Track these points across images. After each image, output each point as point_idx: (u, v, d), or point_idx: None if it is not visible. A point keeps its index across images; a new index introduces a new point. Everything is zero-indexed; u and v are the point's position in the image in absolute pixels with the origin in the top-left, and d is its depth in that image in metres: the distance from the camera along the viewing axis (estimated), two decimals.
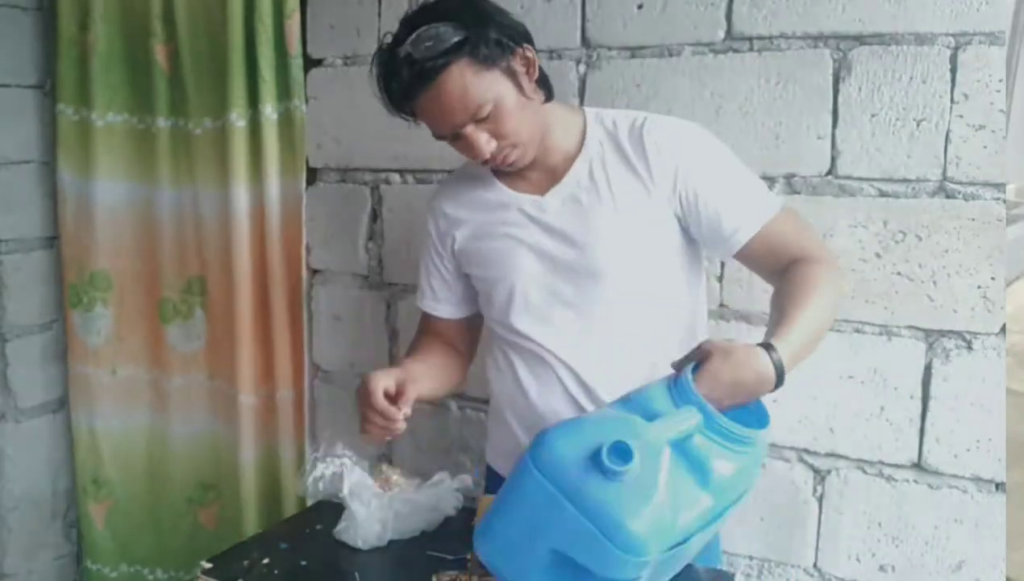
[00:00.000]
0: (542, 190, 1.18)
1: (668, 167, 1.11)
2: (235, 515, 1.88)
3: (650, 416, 0.88)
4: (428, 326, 1.38)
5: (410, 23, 1.06)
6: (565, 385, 1.17)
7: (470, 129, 1.08)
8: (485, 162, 1.12)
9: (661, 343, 1.14)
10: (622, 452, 0.80)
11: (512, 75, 1.08)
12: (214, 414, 1.95)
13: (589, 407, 1.15)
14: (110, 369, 1.98)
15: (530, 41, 1.12)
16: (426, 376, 1.22)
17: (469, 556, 1.14)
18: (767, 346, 0.97)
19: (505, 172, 1.18)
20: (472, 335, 1.38)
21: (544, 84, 1.14)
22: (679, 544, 0.85)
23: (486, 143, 1.09)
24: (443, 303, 1.34)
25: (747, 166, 1.17)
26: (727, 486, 0.89)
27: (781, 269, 1.10)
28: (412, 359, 1.28)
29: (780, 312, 1.03)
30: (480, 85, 1.05)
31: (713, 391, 0.92)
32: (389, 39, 1.10)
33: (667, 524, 0.82)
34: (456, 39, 1.03)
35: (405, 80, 1.06)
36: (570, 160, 1.16)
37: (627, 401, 0.93)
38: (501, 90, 1.07)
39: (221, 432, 1.93)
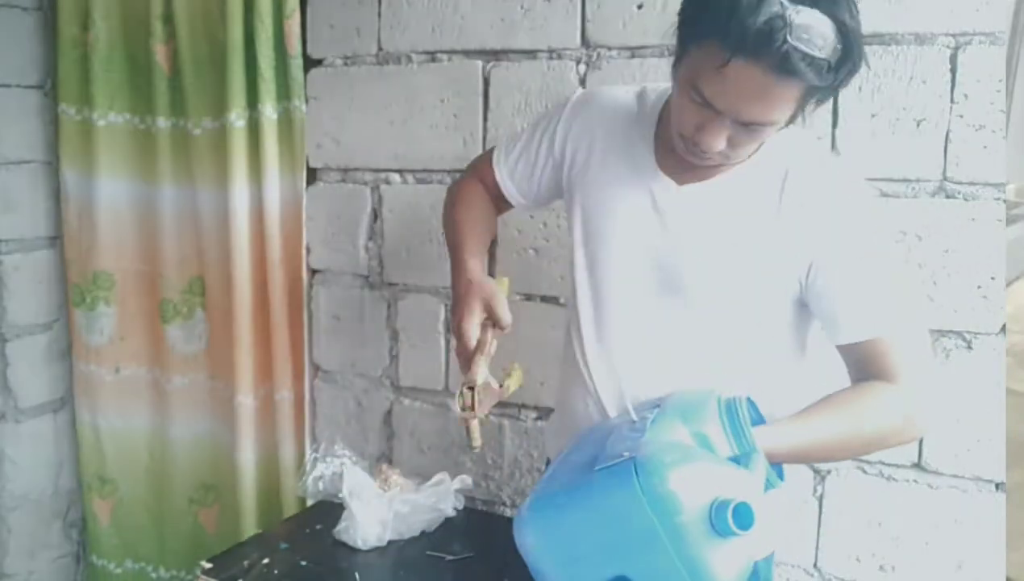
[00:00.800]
0: (680, 178, 1.06)
1: (826, 239, 1.00)
2: (234, 517, 1.88)
3: (708, 446, 0.87)
4: (483, 177, 1.28)
5: None
6: (587, 391, 1.14)
7: (727, 124, 0.94)
8: (690, 148, 0.99)
9: (720, 381, 1.06)
10: (744, 516, 0.76)
11: (801, 112, 0.96)
12: (215, 415, 1.95)
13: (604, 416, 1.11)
14: (113, 368, 1.99)
15: None
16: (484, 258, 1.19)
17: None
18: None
19: (666, 148, 1.06)
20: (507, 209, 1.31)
21: None
22: None
23: (721, 143, 0.96)
24: (513, 182, 1.25)
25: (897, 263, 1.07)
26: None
27: (856, 374, 1.04)
28: (477, 249, 1.19)
29: (803, 411, 1.00)
30: (790, 108, 0.92)
31: None
32: None
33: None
34: (831, 66, 0.87)
35: (755, 36, 0.84)
36: (727, 167, 1.04)
37: (684, 414, 0.91)
38: (784, 121, 0.95)
39: (222, 433, 1.93)
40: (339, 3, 1.73)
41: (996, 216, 1.29)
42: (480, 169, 1.30)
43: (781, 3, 0.84)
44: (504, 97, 1.61)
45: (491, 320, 1.08)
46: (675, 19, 0.95)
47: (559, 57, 1.55)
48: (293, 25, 1.68)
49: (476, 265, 1.15)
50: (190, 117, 1.81)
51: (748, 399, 0.97)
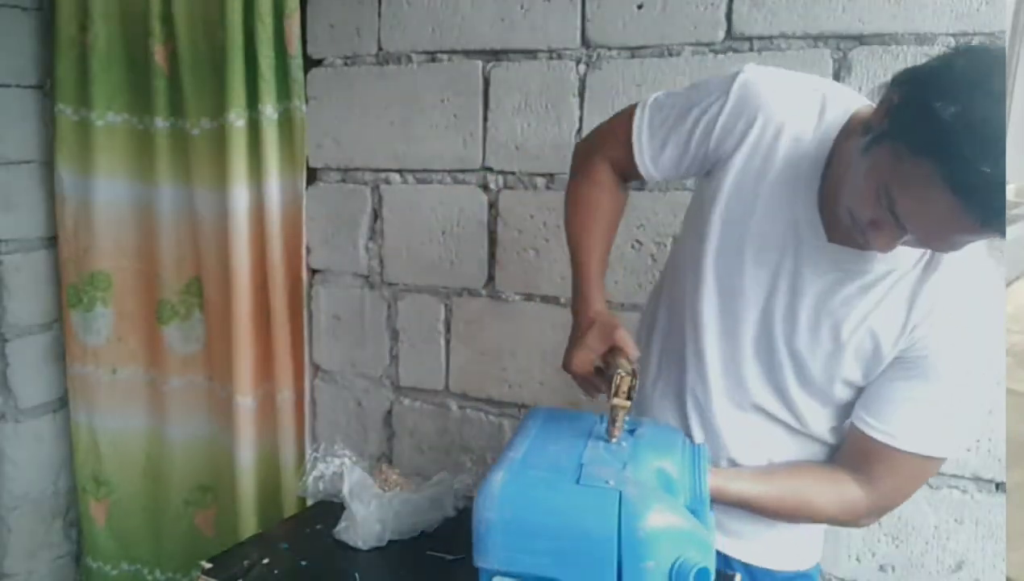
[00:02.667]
0: (832, 232, 0.96)
1: (919, 340, 0.95)
2: (231, 519, 1.87)
3: (670, 487, 0.90)
4: (612, 152, 1.12)
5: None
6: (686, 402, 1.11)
7: (905, 236, 0.85)
8: (858, 232, 0.88)
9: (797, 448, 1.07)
10: (704, 578, 0.82)
11: None
12: (212, 416, 1.95)
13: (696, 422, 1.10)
14: (110, 369, 1.99)
15: None
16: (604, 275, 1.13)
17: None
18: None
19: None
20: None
21: None
22: None
23: (892, 248, 0.87)
24: (655, 167, 1.08)
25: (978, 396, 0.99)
26: None
27: (842, 464, 1.03)
28: (599, 269, 1.11)
29: (764, 469, 1.05)
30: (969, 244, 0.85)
31: None
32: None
33: None
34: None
35: (994, 199, 0.75)
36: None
37: (656, 448, 0.96)
38: None
39: (219, 434, 1.93)
40: (339, 3, 1.73)
41: None
42: (610, 145, 1.12)
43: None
44: (504, 97, 1.61)
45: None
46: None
47: (559, 57, 1.55)
48: (293, 25, 1.68)
49: (599, 296, 1.09)
50: (189, 117, 1.80)
51: (703, 447, 1.02)
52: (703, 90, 1.03)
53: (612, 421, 0.96)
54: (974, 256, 0.93)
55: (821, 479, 1.04)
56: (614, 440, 0.96)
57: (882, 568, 1.42)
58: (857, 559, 1.43)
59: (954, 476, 1.36)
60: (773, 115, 0.97)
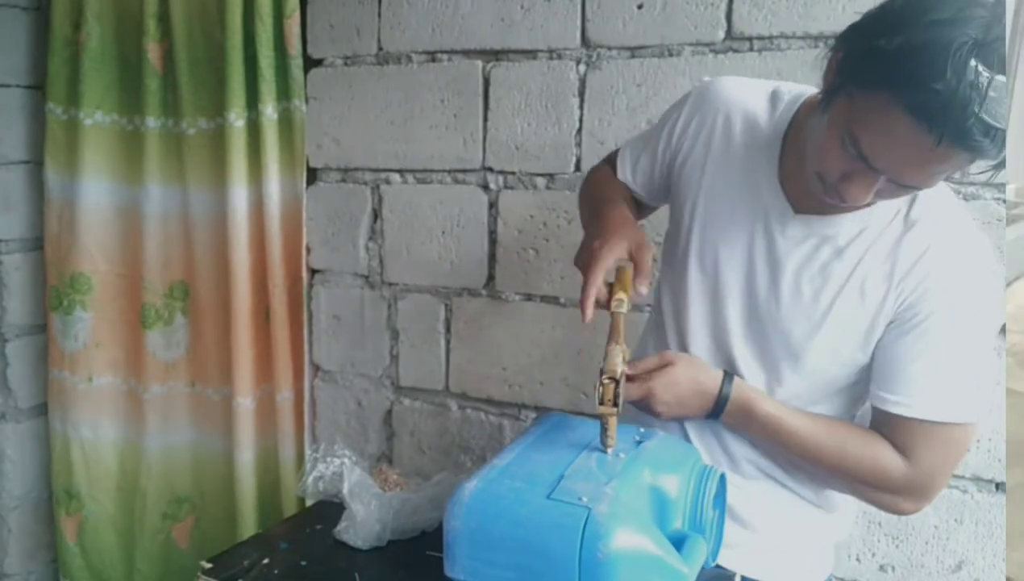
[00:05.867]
0: (797, 205, 0.98)
1: (917, 301, 0.93)
2: (213, 529, 1.85)
3: (663, 507, 0.88)
4: (614, 170, 1.19)
5: (996, 38, 0.75)
6: None
7: (879, 179, 0.85)
8: (829, 193, 0.89)
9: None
10: None
11: None
12: (194, 423, 1.91)
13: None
14: (86, 376, 1.93)
15: None
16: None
17: None
18: (729, 376, 0.98)
19: (793, 171, 0.98)
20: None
21: None
22: None
23: (867, 197, 0.87)
24: (634, 180, 1.15)
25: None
26: None
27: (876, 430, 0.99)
28: (619, 201, 1.10)
29: (797, 410, 1.00)
30: (951, 174, 0.85)
31: (666, 393, 0.96)
32: (968, 23, 0.74)
33: None
34: (1003, 137, 0.77)
35: (950, 109, 0.73)
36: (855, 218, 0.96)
37: (655, 464, 0.92)
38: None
39: (201, 442, 1.90)
40: (339, 3, 1.73)
41: (996, 216, 1.29)
42: (612, 162, 1.21)
43: (978, 69, 0.73)
44: (504, 97, 1.61)
45: (621, 284, 0.95)
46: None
47: (559, 57, 1.55)
48: (293, 25, 1.68)
49: (627, 210, 1.07)
50: (184, 117, 1.79)
51: (722, 476, 0.97)
52: (672, 108, 1.12)
53: (604, 430, 0.93)
54: (952, 210, 0.96)
55: (861, 434, 0.99)
56: (609, 451, 0.93)
57: (882, 568, 1.42)
58: (857, 559, 1.43)
59: (954, 476, 1.36)
60: (727, 109, 1.03)
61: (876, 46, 0.79)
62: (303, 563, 1.19)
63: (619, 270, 0.97)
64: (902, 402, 0.94)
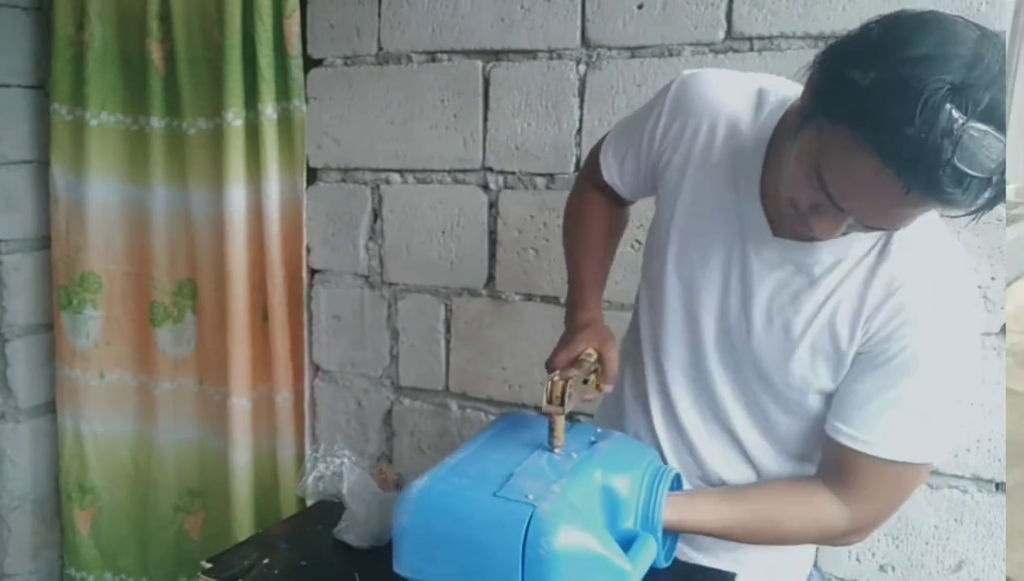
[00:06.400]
0: (778, 225, 0.94)
1: (878, 333, 0.90)
2: (222, 523, 1.86)
3: (614, 507, 0.88)
4: (595, 177, 1.15)
5: (985, 88, 0.69)
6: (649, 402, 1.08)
7: (848, 218, 0.81)
8: (800, 221, 0.85)
9: (762, 450, 1.03)
10: None
11: None
12: (202, 420, 1.93)
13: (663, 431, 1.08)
14: (98, 373, 1.96)
15: None
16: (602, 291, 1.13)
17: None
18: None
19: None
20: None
21: None
22: None
23: (835, 233, 0.84)
24: (622, 182, 1.12)
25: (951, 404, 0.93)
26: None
27: (822, 478, 0.96)
28: (596, 280, 1.12)
29: (729, 492, 0.99)
30: (915, 217, 0.81)
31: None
32: (951, 64, 0.69)
33: None
34: (985, 186, 0.70)
35: (920, 156, 0.69)
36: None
37: (607, 464, 0.90)
38: None
39: (209, 438, 1.91)
40: (339, 3, 1.73)
41: (996, 216, 1.29)
42: (592, 170, 1.16)
43: (952, 114, 0.67)
44: (504, 97, 1.61)
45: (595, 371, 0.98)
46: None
47: (559, 57, 1.55)
48: (293, 25, 1.68)
49: (597, 304, 1.10)
50: (185, 117, 1.80)
51: (677, 475, 0.97)
52: (652, 100, 1.06)
53: (551, 430, 0.91)
54: (931, 238, 0.90)
55: (794, 500, 0.97)
56: (557, 451, 0.91)
57: (882, 568, 1.42)
58: (857, 559, 1.43)
59: (954, 476, 1.36)
60: (708, 114, 0.98)
61: (849, 78, 0.73)
62: (303, 563, 1.18)
63: (582, 363, 0.98)
64: (858, 438, 0.91)
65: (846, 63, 0.75)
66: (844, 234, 0.85)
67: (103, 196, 1.89)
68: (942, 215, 0.87)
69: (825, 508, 0.94)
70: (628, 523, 0.88)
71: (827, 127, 0.76)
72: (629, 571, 0.81)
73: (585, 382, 0.97)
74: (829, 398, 0.96)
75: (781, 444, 1.02)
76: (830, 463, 0.96)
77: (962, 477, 1.35)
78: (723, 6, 1.41)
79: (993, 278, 1.30)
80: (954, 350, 0.90)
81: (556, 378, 0.90)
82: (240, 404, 1.80)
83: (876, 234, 0.90)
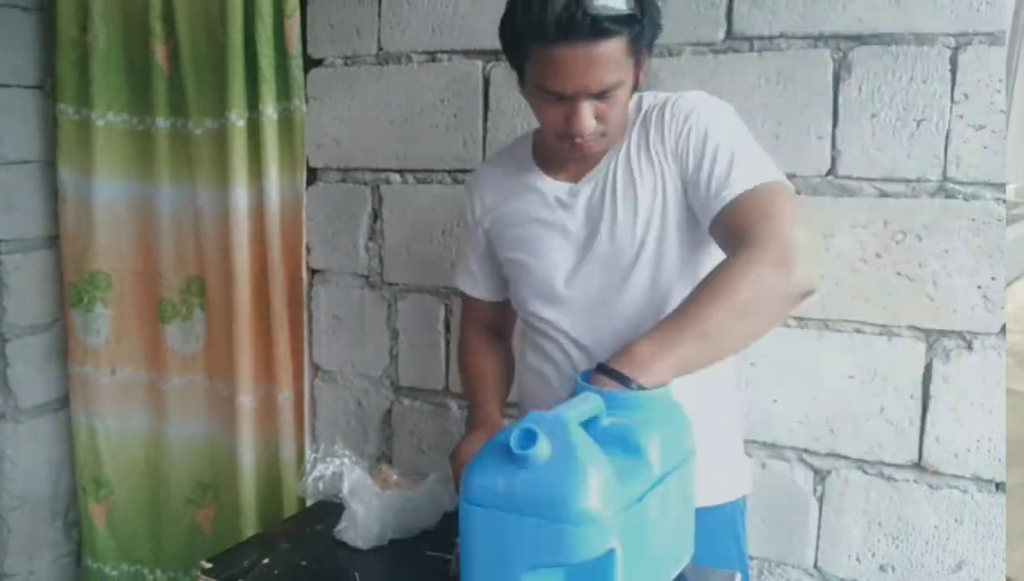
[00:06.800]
0: (577, 178, 1.17)
1: (678, 133, 1.09)
2: (233, 517, 1.87)
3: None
4: (473, 314, 1.38)
5: None
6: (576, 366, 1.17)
7: (585, 102, 1.03)
8: (570, 142, 1.08)
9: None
10: (527, 436, 0.77)
11: (638, 69, 1.06)
12: (212, 416, 1.94)
13: None
14: (109, 369, 1.99)
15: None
16: (501, 408, 1.28)
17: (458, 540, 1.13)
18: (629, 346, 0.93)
19: (549, 159, 1.19)
20: (512, 317, 1.35)
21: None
22: (638, 508, 0.82)
23: (590, 121, 1.05)
24: (481, 284, 1.33)
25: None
26: (659, 449, 0.86)
27: (725, 247, 1.02)
28: (489, 397, 1.27)
29: (673, 311, 0.97)
30: (622, 67, 1.02)
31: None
32: None
33: (608, 487, 0.78)
34: (629, 12, 0.98)
35: (568, 20, 0.97)
36: (612, 149, 1.15)
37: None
38: (629, 80, 1.05)
39: (219, 433, 1.93)
40: (339, 3, 1.73)
41: (996, 216, 1.29)
42: (464, 316, 1.39)
43: None
44: (504, 97, 1.61)
45: None
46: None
47: None
48: (293, 25, 1.68)
49: (496, 410, 1.25)
50: (190, 117, 1.80)
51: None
52: (464, 212, 1.33)
53: None
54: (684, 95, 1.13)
55: (725, 277, 0.94)
56: None
57: (882, 568, 1.42)
58: (857, 559, 1.43)
59: (954, 476, 1.36)
60: (494, 177, 1.27)
61: (503, 23, 1.06)
62: (303, 563, 1.19)
63: None
64: (721, 194, 1.02)
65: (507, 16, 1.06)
66: (604, 123, 1.05)
67: (111, 195, 1.90)
68: None
69: (747, 266, 0.93)
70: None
71: (523, 63, 1.06)
72: (549, 415, 0.80)
73: None
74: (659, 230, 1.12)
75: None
76: (724, 239, 1.03)
77: (962, 477, 1.35)
78: (723, 6, 1.41)
79: (993, 278, 1.30)
80: (713, 100, 1.13)
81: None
82: (246, 402, 1.81)
83: (636, 121, 1.13)
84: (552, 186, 1.18)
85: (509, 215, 1.23)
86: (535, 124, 1.58)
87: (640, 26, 1.00)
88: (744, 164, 1.04)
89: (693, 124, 1.08)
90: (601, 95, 1.03)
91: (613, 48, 0.99)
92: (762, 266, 0.93)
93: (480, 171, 1.33)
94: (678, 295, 1.07)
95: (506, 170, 1.25)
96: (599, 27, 0.96)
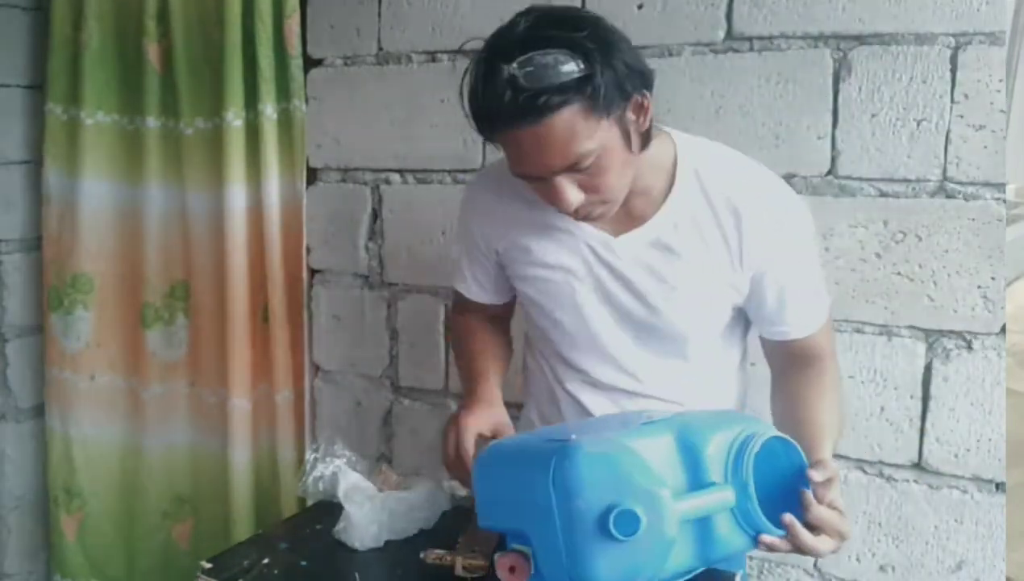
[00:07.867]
0: (614, 230, 1.07)
1: (759, 255, 1.05)
2: (213, 529, 1.84)
3: (695, 464, 0.85)
4: (469, 305, 1.29)
5: (522, 37, 0.90)
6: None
7: (560, 178, 0.95)
8: (574, 217, 1.01)
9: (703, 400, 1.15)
10: (629, 521, 0.78)
11: (623, 125, 0.94)
12: (194, 423, 1.91)
13: None
14: (88, 375, 1.93)
15: (649, 86, 0.98)
16: (500, 388, 1.22)
17: (460, 539, 1.14)
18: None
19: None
20: (513, 306, 1.32)
21: (648, 133, 1.01)
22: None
23: (574, 196, 0.96)
24: (486, 291, 1.26)
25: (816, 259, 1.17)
26: (716, 552, 0.87)
27: (792, 360, 1.14)
28: (490, 372, 1.22)
29: (811, 425, 1.05)
30: (588, 134, 0.90)
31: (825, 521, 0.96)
32: (486, 45, 0.96)
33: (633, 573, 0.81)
34: (576, 76, 0.87)
35: (505, 107, 0.90)
36: (653, 204, 1.05)
37: (685, 430, 0.88)
38: (608, 142, 0.93)
39: (200, 442, 1.90)
40: (339, 3, 1.73)
41: (996, 216, 1.29)
42: (460, 306, 1.32)
43: (503, 67, 0.89)
44: None
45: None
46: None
47: None
48: (293, 25, 1.68)
49: (492, 386, 1.19)
50: (182, 117, 1.79)
51: (779, 438, 0.92)
52: (459, 222, 1.24)
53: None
54: (722, 155, 1.09)
55: (819, 386, 1.12)
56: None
57: (882, 568, 1.42)
58: (857, 559, 1.43)
59: (954, 476, 1.36)
60: (501, 204, 1.15)
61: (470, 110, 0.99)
62: (303, 563, 1.19)
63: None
64: (795, 325, 1.12)
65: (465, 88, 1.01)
66: (595, 193, 0.97)
67: (96, 196, 1.87)
68: None
69: (826, 375, 1.13)
70: (713, 477, 0.85)
71: (495, 147, 1.01)
72: (663, 497, 0.80)
73: None
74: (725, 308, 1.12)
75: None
76: (786, 351, 1.14)
77: (962, 477, 1.35)
78: (723, 6, 1.41)
79: (993, 278, 1.30)
80: (808, 231, 1.11)
81: (443, 558, 1.05)
82: (240, 405, 1.79)
83: (692, 185, 1.05)
84: (584, 232, 1.09)
85: (532, 252, 1.13)
86: None
87: (596, 85, 0.88)
88: (816, 303, 1.13)
89: (781, 256, 1.07)
90: (575, 168, 0.93)
91: (566, 120, 0.88)
92: (836, 369, 1.17)
93: (483, 185, 1.21)
94: (717, 377, 1.19)
95: (519, 195, 1.10)
96: (538, 106, 0.87)
